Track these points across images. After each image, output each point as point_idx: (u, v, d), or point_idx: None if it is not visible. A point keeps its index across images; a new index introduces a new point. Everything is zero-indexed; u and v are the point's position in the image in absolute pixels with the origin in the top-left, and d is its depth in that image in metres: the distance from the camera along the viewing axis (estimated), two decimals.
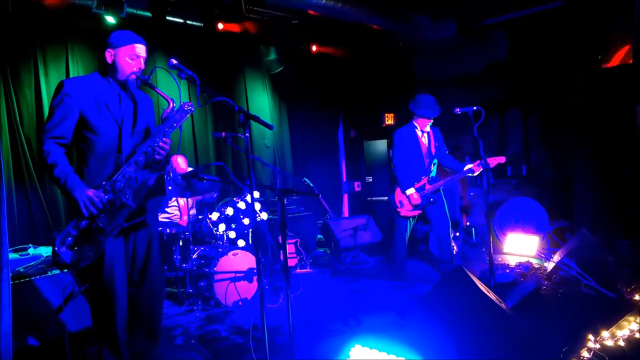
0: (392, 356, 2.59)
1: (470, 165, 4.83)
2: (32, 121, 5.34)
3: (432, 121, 5.07)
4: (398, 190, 5.14)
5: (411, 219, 5.22)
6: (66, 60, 5.62)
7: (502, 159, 4.74)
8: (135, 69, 2.87)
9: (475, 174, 4.82)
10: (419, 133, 5.12)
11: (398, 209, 5.15)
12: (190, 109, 2.95)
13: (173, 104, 2.92)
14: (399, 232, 5.25)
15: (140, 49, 2.90)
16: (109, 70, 2.89)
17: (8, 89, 5.19)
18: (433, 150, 5.14)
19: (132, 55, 2.86)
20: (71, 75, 5.51)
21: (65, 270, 3.65)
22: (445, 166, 5.19)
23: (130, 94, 2.97)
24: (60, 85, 2.76)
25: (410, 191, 5.01)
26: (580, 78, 6.54)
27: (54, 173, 2.66)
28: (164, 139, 2.87)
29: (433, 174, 5.17)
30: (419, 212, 5.14)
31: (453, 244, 6.16)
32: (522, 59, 7.33)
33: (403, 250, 5.28)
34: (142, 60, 2.91)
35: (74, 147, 2.80)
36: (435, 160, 5.19)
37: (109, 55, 2.86)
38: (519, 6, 7.02)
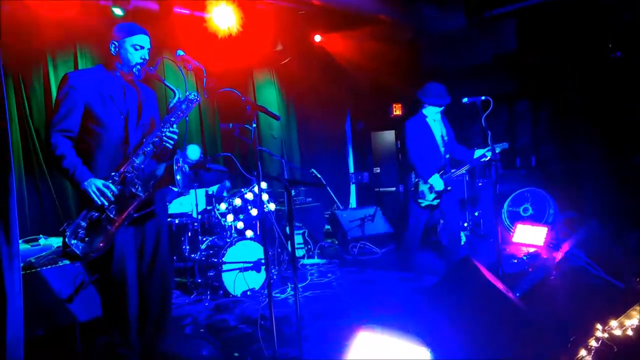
0: (398, 340, 2.58)
1: (482, 151, 4.73)
2: (42, 114, 5.37)
3: (441, 108, 4.94)
4: (419, 180, 4.97)
5: (431, 208, 5.04)
6: (74, 53, 5.65)
7: (504, 145, 4.68)
8: (139, 60, 2.89)
9: (487, 158, 4.70)
10: (430, 122, 4.98)
11: (419, 199, 4.97)
12: (195, 99, 2.97)
13: (179, 94, 2.94)
14: (414, 223, 5.08)
15: (144, 40, 2.91)
16: (113, 62, 2.91)
17: (18, 82, 5.22)
18: (447, 137, 5.02)
19: (136, 47, 2.88)
20: (80, 68, 5.54)
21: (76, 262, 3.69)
22: (456, 155, 5.06)
23: (135, 86, 2.99)
24: (65, 78, 2.78)
25: (434, 179, 4.84)
26: (589, 68, 6.48)
27: (62, 165, 2.68)
28: (171, 128, 2.89)
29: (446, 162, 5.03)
30: (438, 201, 4.95)
31: (463, 235, 6.16)
32: (531, 50, 7.24)
33: (417, 241, 5.13)
34: (146, 52, 2.92)
35: (81, 140, 2.81)
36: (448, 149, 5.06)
37: (113, 47, 2.88)
38: None
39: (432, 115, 4.98)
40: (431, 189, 4.89)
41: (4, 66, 2.38)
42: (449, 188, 4.90)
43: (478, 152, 4.79)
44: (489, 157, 4.70)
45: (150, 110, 3.04)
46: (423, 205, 4.99)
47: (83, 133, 2.80)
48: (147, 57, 2.94)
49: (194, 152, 5.51)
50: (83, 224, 2.65)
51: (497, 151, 4.57)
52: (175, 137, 2.93)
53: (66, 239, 2.60)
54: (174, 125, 2.91)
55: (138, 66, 2.89)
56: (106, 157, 2.80)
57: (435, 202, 4.94)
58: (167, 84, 2.98)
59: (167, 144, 2.90)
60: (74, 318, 3.52)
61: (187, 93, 2.96)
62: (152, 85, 3.28)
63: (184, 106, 2.93)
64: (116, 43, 2.87)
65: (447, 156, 5.02)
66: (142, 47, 2.90)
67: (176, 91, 2.95)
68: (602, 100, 6.35)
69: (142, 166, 2.81)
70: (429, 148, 4.97)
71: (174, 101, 2.93)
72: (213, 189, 5.70)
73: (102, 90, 2.82)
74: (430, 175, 4.86)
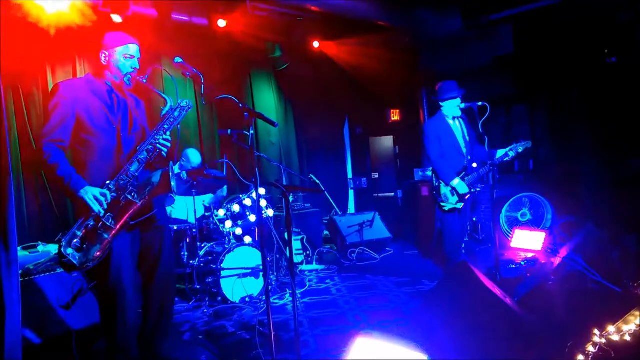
0: (396, 346, 2.59)
1: (504, 150, 4.59)
2: (41, 121, 5.38)
3: (459, 102, 4.68)
4: (440, 184, 4.75)
5: (457, 211, 4.77)
6: (74, 62, 5.67)
7: (527, 144, 4.62)
8: (130, 69, 2.91)
9: (508, 159, 4.59)
10: (450, 121, 4.79)
11: (441, 203, 4.76)
12: (187, 106, 3.00)
13: (170, 102, 2.96)
14: (449, 229, 4.81)
15: (134, 49, 2.93)
16: (104, 71, 2.93)
17: (17, 90, 5.24)
18: (468, 137, 4.82)
19: (126, 56, 2.90)
20: (79, 76, 5.55)
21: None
22: (475, 156, 4.85)
23: (125, 96, 3.01)
24: (55, 88, 2.79)
25: (456, 181, 4.63)
26: (587, 73, 6.50)
27: (57, 173, 2.68)
28: (165, 135, 2.91)
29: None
30: (462, 204, 4.73)
31: None
32: (528, 53, 7.27)
33: (457, 246, 4.85)
34: (136, 61, 2.94)
35: (74, 150, 2.82)
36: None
37: (103, 56, 2.90)
38: (525, 1, 6.98)
39: (452, 112, 4.75)
40: (453, 191, 4.69)
41: (3, 75, 2.39)
42: (472, 190, 4.71)
43: (500, 152, 4.63)
44: (511, 157, 4.60)
45: (140, 119, 3.07)
46: (446, 209, 4.75)
47: (75, 142, 2.81)
48: (138, 66, 2.96)
49: (195, 156, 5.53)
50: (79, 233, 2.65)
51: (520, 150, 4.54)
52: (169, 144, 2.94)
53: (62, 249, 2.60)
54: (167, 133, 2.93)
55: (129, 75, 2.91)
56: (100, 166, 2.81)
57: (460, 205, 4.71)
58: (158, 92, 2.99)
59: (162, 152, 2.92)
60: (71, 325, 3.51)
61: (180, 100, 2.98)
62: (145, 93, 3.30)
63: (176, 113, 2.96)
64: (106, 52, 2.90)
65: (469, 157, 4.80)
66: (132, 57, 2.92)
67: (168, 99, 2.97)
68: (600, 104, 6.37)
69: (137, 174, 2.83)
70: (450, 149, 4.76)
71: (166, 109, 2.96)
72: (208, 200, 5.69)
73: (93, 100, 2.84)
74: (452, 178, 4.65)
